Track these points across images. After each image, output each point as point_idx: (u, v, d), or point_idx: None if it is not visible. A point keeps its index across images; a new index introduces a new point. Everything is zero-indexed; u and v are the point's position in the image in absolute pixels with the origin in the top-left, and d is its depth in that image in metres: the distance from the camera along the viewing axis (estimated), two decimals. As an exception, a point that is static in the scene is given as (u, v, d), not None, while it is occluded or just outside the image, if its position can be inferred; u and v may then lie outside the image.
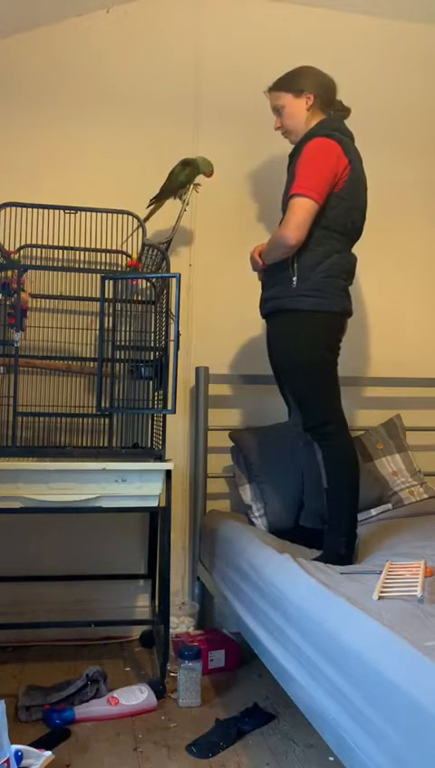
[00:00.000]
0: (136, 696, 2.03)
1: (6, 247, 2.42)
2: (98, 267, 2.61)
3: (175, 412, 2.22)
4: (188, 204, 2.60)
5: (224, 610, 2.64)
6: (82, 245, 2.52)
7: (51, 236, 2.48)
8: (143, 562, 2.71)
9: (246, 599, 1.96)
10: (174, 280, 2.22)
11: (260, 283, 2.27)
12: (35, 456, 2.29)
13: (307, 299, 2.06)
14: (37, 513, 2.22)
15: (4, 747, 1.47)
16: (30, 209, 2.41)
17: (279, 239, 2.06)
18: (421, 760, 1.05)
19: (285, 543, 2.21)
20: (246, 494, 2.57)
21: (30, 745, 1.65)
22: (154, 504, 2.21)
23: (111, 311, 2.32)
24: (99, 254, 2.58)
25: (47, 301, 2.54)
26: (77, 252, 2.57)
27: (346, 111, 2.26)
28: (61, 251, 2.57)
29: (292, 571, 1.77)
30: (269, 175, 2.75)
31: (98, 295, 2.24)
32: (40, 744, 1.74)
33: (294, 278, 2.07)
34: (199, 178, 2.55)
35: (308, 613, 1.56)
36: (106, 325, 2.25)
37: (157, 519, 2.57)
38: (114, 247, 2.51)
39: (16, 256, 2.44)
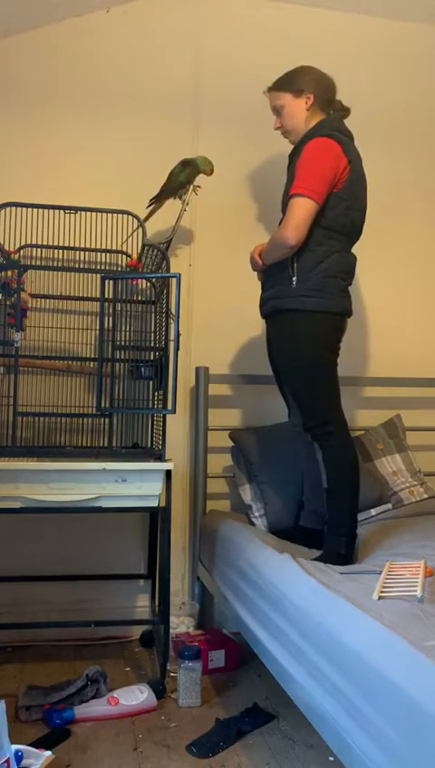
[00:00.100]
0: (136, 696, 2.04)
1: (6, 247, 2.42)
2: (98, 267, 2.61)
3: (175, 412, 2.22)
4: (188, 204, 2.60)
5: (224, 610, 2.65)
6: (82, 245, 2.53)
7: (51, 236, 2.48)
8: (143, 562, 2.71)
9: (246, 599, 1.96)
10: (174, 280, 2.22)
11: (260, 283, 2.27)
12: (35, 456, 2.29)
13: (307, 299, 2.06)
14: (37, 513, 2.22)
15: (4, 747, 1.47)
16: (30, 209, 2.41)
17: (279, 239, 2.06)
18: (421, 760, 1.05)
19: (285, 543, 2.21)
20: (246, 494, 2.57)
21: (30, 745, 1.65)
22: (154, 503, 2.21)
23: (111, 311, 2.32)
24: (99, 254, 2.58)
25: (47, 301, 2.54)
26: (77, 252, 2.57)
27: (346, 111, 2.26)
28: (61, 251, 2.57)
29: (292, 571, 1.77)
30: (269, 175, 2.75)
31: (98, 295, 2.24)
32: (40, 743, 1.74)
33: (294, 278, 2.07)
34: (200, 178, 2.55)
35: (308, 613, 1.56)
36: (106, 325, 2.25)
37: (157, 519, 2.57)
38: (114, 247, 2.51)
39: (16, 256, 2.44)
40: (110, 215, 2.47)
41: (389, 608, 1.43)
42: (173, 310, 2.26)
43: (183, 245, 2.80)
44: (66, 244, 2.52)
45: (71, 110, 2.71)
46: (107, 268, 2.61)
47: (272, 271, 2.16)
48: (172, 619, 2.52)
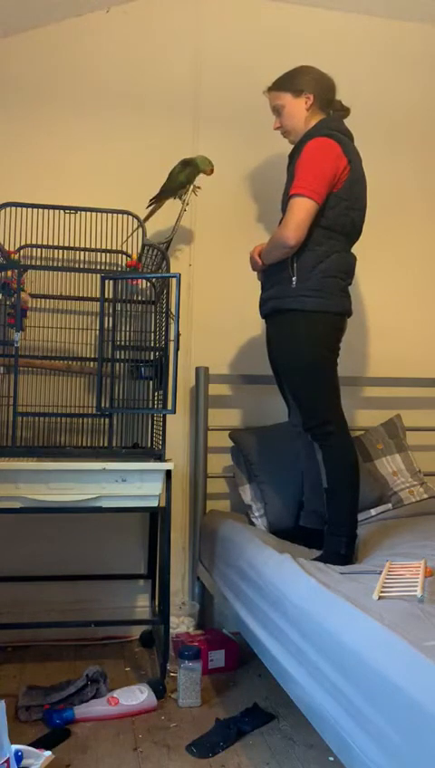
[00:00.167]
0: (136, 696, 2.04)
1: (6, 247, 2.42)
2: (98, 267, 2.61)
3: (175, 412, 2.22)
4: (188, 204, 2.60)
5: (224, 610, 2.65)
6: (82, 245, 2.53)
7: (51, 236, 2.48)
8: (143, 562, 2.71)
9: (246, 599, 1.96)
10: (174, 280, 2.22)
11: (260, 283, 2.27)
12: (35, 456, 2.29)
13: (307, 299, 2.06)
14: (37, 513, 2.22)
15: (4, 747, 1.47)
16: (30, 209, 2.41)
17: (279, 239, 2.06)
18: (421, 760, 1.05)
19: (285, 543, 2.21)
20: (246, 494, 2.57)
21: (30, 745, 1.65)
22: (154, 503, 2.21)
23: (111, 311, 2.32)
24: (99, 254, 2.58)
25: (47, 301, 2.54)
26: (77, 252, 2.57)
27: (346, 111, 2.26)
28: (61, 251, 2.57)
29: (292, 571, 1.77)
30: (269, 175, 2.75)
31: (98, 295, 2.24)
32: (40, 743, 1.74)
33: (294, 278, 2.07)
34: (200, 178, 2.55)
35: (308, 613, 1.56)
36: (106, 325, 2.25)
37: (157, 519, 2.57)
38: (114, 247, 2.51)
39: (16, 256, 2.44)
40: (110, 215, 2.47)
41: (389, 608, 1.43)
42: (173, 310, 2.26)
43: (183, 245, 2.80)
44: (66, 244, 2.52)
45: (71, 110, 2.71)
46: (107, 268, 2.61)
47: (272, 271, 2.16)
48: (172, 619, 2.52)
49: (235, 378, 2.79)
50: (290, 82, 2.19)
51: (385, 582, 1.58)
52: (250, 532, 2.25)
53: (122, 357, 2.45)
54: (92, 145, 2.72)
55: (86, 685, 2.07)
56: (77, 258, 2.61)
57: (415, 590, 1.49)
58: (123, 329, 2.41)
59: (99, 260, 2.62)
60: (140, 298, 2.56)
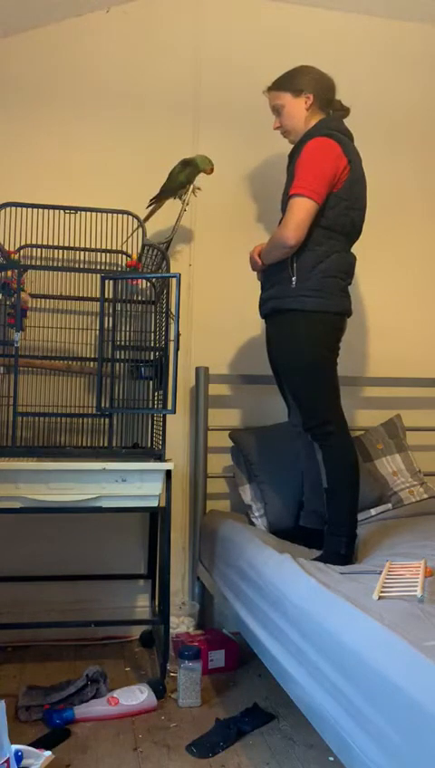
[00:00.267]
0: (136, 696, 2.04)
1: (6, 247, 2.42)
2: (98, 267, 2.61)
3: (175, 412, 2.22)
4: (188, 204, 2.60)
5: (224, 610, 2.65)
6: (82, 245, 2.53)
7: (51, 236, 2.48)
8: (143, 562, 2.71)
9: (246, 599, 1.96)
10: (174, 280, 2.22)
11: (260, 282, 2.27)
12: (35, 456, 2.29)
13: (307, 299, 2.06)
14: (37, 513, 2.22)
15: (4, 747, 1.47)
16: (30, 209, 2.41)
17: (279, 239, 2.06)
18: (421, 760, 1.05)
19: (285, 543, 2.21)
20: (246, 494, 2.57)
21: (30, 745, 1.65)
22: (154, 503, 2.21)
23: (111, 311, 2.32)
24: (99, 254, 2.58)
25: (47, 301, 2.53)
26: (77, 252, 2.57)
27: (345, 111, 2.26)
28: (61, 251, 2.57)
29: (292, 571, 1.77)
30: (269, 175, 2.75)
31: (98, 295, 2.24)
32: (40, 743, 1.74)
33: (294, 278, 2.07)
34: (200, 178, 2.55)
35: (308, 613, 1.56)
36: (106, 325, 2.25)
37: (157, 519, 2.57)
38: (114, 247, 2.51)
39: (16, 256, 2.44)
40: (110, 215, 2.47)
41: (389, 608, 1.43)
42: (173, 310, 2.26)
43: (183, 245, 2.80)
44: (66, 244, 2.52)
45: (71, 110, 2.71)
46: (107, 268, 2.61)
47: (271, 271, 2.16)
48: (172, 619, 2.52)
49: (235, 378, 2.79)
50: (290, 82, 2.20)
51: (385, 582, 1.58)
52: (250, 532, 2.25)
53: (122, 357, 2.45)
54: (92, 145, 2.72)
55: (86, 685, 2.07)
56: (77, 258, 2.61)
57: (415, 590, 1.49)
58: (123, 329, 2.41)
59: (99, 260, 2.62)
60: (140, 298, 2.56)
